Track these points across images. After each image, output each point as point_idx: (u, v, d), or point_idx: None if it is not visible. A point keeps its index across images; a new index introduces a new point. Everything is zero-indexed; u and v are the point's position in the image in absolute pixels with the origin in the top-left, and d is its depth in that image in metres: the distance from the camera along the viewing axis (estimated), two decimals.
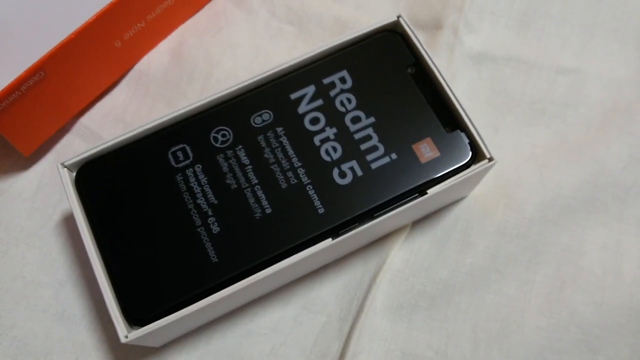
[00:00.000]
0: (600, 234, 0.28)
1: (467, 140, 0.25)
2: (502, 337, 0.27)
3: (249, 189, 0.24)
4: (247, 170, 0.25)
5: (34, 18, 0.28)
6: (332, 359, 0.26)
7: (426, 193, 0.24)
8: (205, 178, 0.25)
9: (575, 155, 0.30)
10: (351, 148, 0.25)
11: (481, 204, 0.29)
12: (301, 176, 0.24)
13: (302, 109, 0.26)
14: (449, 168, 0.24)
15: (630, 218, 0.29)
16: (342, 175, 0.24)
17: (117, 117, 0.31)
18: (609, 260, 0.28)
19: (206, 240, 0.24)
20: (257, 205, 0.24)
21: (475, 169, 0.24)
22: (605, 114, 0.31)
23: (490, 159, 0.24)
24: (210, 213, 0.24)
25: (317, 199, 0.24)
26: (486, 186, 0.29)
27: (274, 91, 0.26)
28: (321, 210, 0.24)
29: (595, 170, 0.30)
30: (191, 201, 0.24)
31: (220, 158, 0.25)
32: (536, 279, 0.28)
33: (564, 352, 0.26)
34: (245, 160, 0.25)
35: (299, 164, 0.25)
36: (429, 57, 0.26)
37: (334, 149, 0.25)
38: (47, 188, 0.29)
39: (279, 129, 0.25)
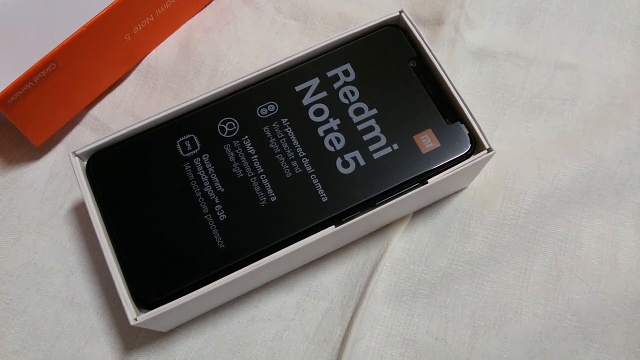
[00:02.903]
0: (597, 225, 0.29)
1: (466, 132, 0.26)
2: (500, 324, 0.27)
3: (254, 178, 0.25)
4: (253, 160, 0.25)
5: (46, 11, 0.29)
6: (334, 343, 0.27)
7: (427, 182, 0.25)
8: (212, 167, 0.25)
9: (573, 149, 0.31)
10: (354, 138, 0.26)
11: (480, 195, 0.30)
12: (305, 165, 0.25)
13: (306, 100, 0.26)
14: (449, 158, 0.25)
15: (627, 210, 0.29)
16: (345, 164, 0.25)
17: (127, 110, 0.31)
18: (605, 250, 0.29)
19: (213, 227, 0.24)
20: (262, 194, 0.25)
21: (475, 159, 0.25)
22: (602, 109, 0.32)
23: (489, 150, 0.25)
24: (217, 201, 0.25)
25: (320, 187, 0.25)
26: (485, 178, 0.30)
27: (280, 83, 0.27)
28: (325, 199, 0.25)
29: (592, 164, 0.30)
30: (199, 189, 0.25)
31: (227, 148, 0.26)
32: (534, 268, 0.28)
33: (561, 339, 0.27)
34: (251, 150, 0.25)
35: (303, 154, 0.25)
36: (430, 50, 0.27)
37: (338, 140, 0.26)
38: (58, 178, 0.30)
39: (284, 120, 0.26)
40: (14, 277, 0.28)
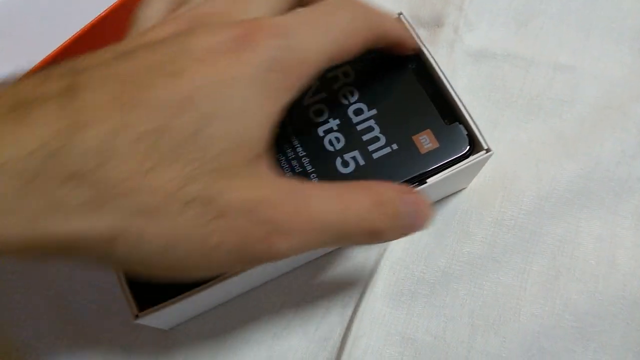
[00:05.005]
0: (595, 226, 0.29)
1: (465, 132, 0.26)
2: (498, 323, 0.27)
3: None
4: None
5: (43, 18, 0.29)
6: (334, 342, 0.27)
7: (425, 182, 0.25)
8: None
9: (571, 150, 0.31)
10: (353, 139, 0.26)
11: (479, 196, 0.30)
12: (305, 165, 0.25)
13: (306, 100, 0.27)
14: (448, 158, 0.25)
15: (625, 211, 0.30)
16: (345, 164, 0.25)
17: None
18: (604, 251, 0.29)
19: None
20: None
21: (473, 160, 0.25)
22: (599, 111, 0.32)
23: (488, 150, 0.25)
24: None
25: None
26: (484, 179, 0.30)
27: None
28: None
29: (590, 165, 0.30)
30: None
31: None
32: (532, 268, 0.28)
33: (559, 339, 0.27)
34: None
35: (304, 154, 0.26)
36: (428, 52, 0.27)
37: (337, 140, 0.26)
38: None
39: (284, 120, 0.26)
40: (15, 275, 0.28)
